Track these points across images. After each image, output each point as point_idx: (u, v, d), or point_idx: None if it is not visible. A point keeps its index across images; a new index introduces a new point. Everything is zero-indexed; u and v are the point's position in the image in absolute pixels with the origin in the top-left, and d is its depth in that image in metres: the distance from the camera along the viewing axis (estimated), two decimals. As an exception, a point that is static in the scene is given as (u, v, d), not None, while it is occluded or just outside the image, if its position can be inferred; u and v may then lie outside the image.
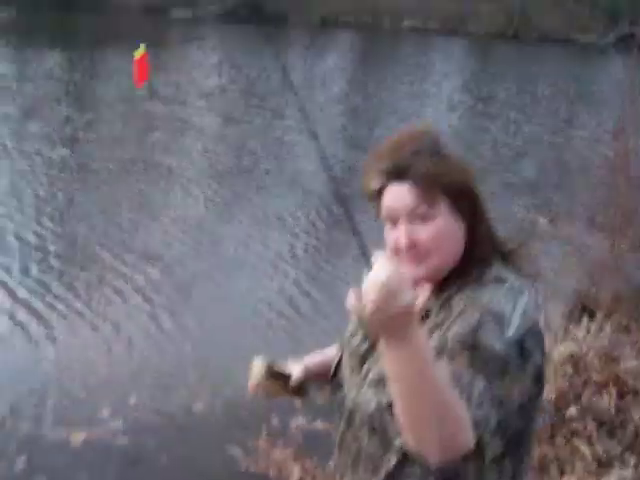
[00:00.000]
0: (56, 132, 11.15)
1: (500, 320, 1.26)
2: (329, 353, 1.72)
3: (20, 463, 3.90)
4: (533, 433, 1.38)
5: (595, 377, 3.76)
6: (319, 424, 4.10)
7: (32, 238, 7.04)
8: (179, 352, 5.22)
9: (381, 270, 1.08)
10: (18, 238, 7.00)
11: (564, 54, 32.88)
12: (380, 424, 1.33)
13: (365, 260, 1.14)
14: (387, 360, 1.12)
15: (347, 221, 1.28)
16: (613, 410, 3.59)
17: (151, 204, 8.30)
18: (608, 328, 4.31)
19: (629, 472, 3.21)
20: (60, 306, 5.73)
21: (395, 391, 1.13)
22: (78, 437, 4.11)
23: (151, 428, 4.30)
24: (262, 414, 4.16)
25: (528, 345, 1.27)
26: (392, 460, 1.33)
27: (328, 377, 1.61)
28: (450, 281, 1.39)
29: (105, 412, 4.40)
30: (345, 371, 1.53)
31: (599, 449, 3.35)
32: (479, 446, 1.17)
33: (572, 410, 3.52)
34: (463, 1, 40.71)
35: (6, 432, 4.18)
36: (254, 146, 11.10)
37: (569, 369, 3.79)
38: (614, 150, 6.29)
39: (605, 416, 3.55)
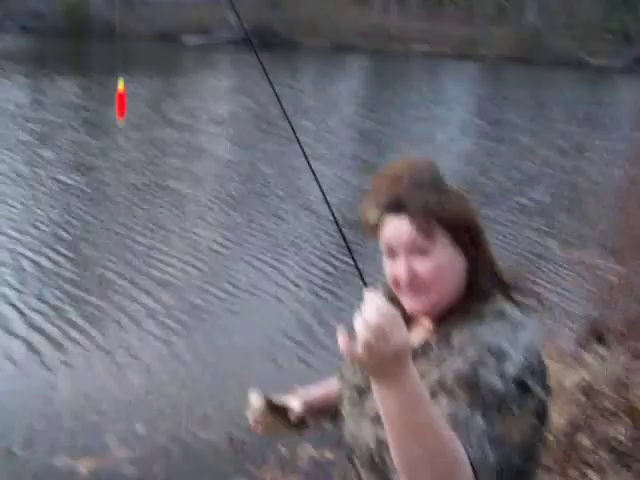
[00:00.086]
0: (70, 158, 11.25)
1: (500, 357, 1.24)
2: (329, 385, 1.70)
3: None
4: (535, 471, 1.35)
5: (607, 405, 3.69)
6: (327, 453, 4.07)
7: (46, 263, 7.08)
8: (191, 379, 5.21)
9: (372, 309, 1.06)
10: (33, 263, 7.05)
11: (576, 77, 32.91)
12: (379, 459, 1.31)
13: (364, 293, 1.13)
14: (379, 401, 1.10)
15: (349, 253, 1.28)
16: (627, 440, 3.53)
17: (164, 229, 8.34)
18: (620, 354, 4.26)
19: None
20: (73, 332, 5.75)
21: (388, 431, 1.11)
22: (87, 465, 4.11)
23: (160, 457, 4.28)
24: (270, 443, 4.15)
25: (529, 382, 1.24)
26: None
27: (329, 410, 1.59)
28: (450, 315, 1.37)
29: (114, 440, 4.39)
30: (345, 404, 1.50)
31: (612, 481, 3.30)
32: None
33: (584, 439, 3.46)
34: (474, 25, 40.94)
35: (15, 459, 4.18)
36: (266, 171, 11.15)
37: (580, 397, 3.72)
38: (626, 174, 6.29)
39: (619, 446, 3.49)
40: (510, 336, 1.28)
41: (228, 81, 21.93)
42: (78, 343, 5.59)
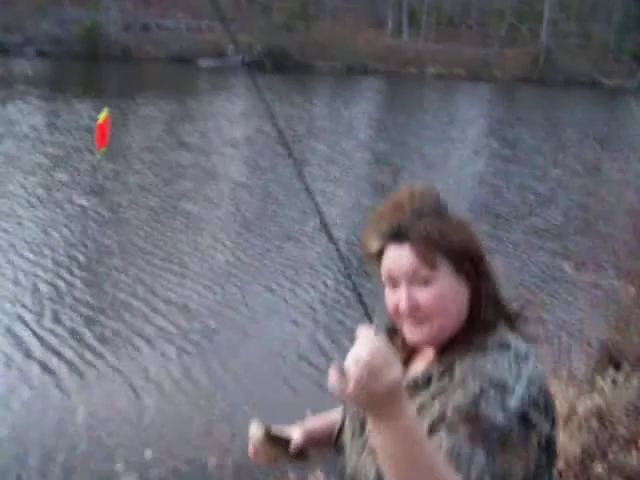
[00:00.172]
0: (86, 181, 11.35)
1: (502, 390, 1.20)
2: (331, 416, 1.67)
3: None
4: None
5: (622, 432, 3.63)
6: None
7: (62, 285, 7.14)
8: (206, 402, 5.22)
9: (364, 345, 1.04)
10: (49, 285, 7.10)
11: (590, 98, 32.90)
12: None
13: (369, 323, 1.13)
14: (374, 437, 1.09)
15: (352, 287, 1.28)
16: (642, 468, 3.48)
17: (179, 251, 8.37)
18: (636, 380, 4.20)
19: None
20: (88, 354, 5.78)
21: (384, 468, 1.10)
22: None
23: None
24: (280, 468, 4.13)
25: (532, 415, 1.20)
26: None
27: (330, 441, 1.56)
28: (453, 345, 1.34)
29: (126, 466, 4.40)
30: (347, 435, 1.48)
31: (628, 510, 3.25)
32: None
33: (598, 467, 3.41)
34: (487, 46, 41.06)
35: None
36: (280, 194, 11.19)
37: (594, 423, 3.65)
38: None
39: (634, 475, 3.43)
40: (513, 368, 1.25)
41: (242, 104, 22.07)
42: (94, 365, 5.62)
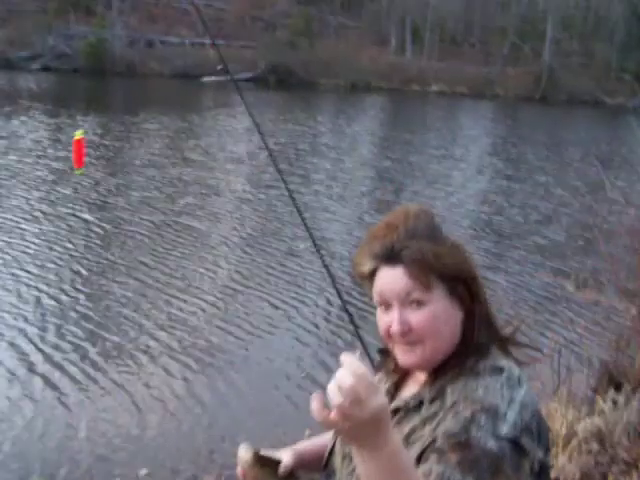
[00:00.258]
0: (89, 195, 11.39)
1: (494, 416, 1.18)
2: (323, 439, 1.63)
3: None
4: None
5: (622, 455, 3.60)
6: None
7: (65, 300, 7.15)
8: (209, 418, 5.22)
9: (346, 372, 1.02)
10: (52, 300, 7.11)
11: (592, 116, 33.00)
12: None
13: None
14: (358, 465, 1.06)
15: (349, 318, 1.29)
16: (643, 491, 3.45)
17: (182, 267, 8.38)
18: (636, 401, 4.16)
19: None
20: (91, 369, 5.78)
21: None
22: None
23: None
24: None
25: (525, 442, 1.18)
26: None
27: (320, 464, 1.53)
28: (445, 369, 1.32)
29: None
30: (336, 459, 1.46)
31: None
32: None
33: (598, 489, 3.40)
34: (490, 64, 41.26)
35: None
36: (283, 210, 11.21)
37: (594, 445, 3.61)
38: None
39: (633, 497, 3.41)
40: (505, 393, 1.22)
41: (246, 120, 22.14)
42: (96, 381, 5.62)
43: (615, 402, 4.14)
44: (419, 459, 1.20)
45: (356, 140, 20.43)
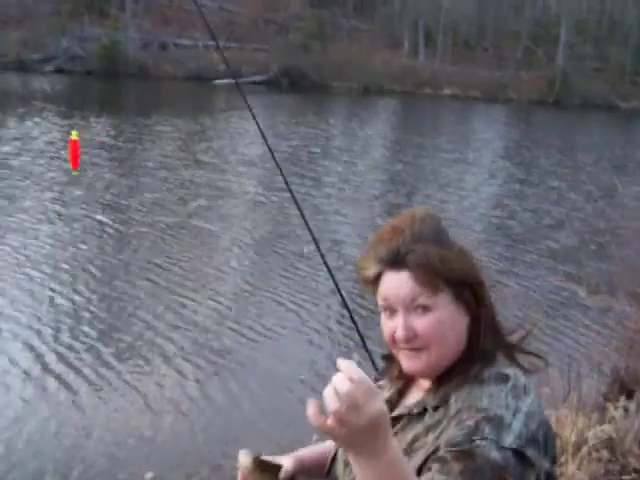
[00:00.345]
0: (102, 197, 11.45)
1: (499, 426, 1.14)
2: (325, 445, 1.60)
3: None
4: None
5: (634, 463, 3.57)
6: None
7: (79, 300, 7.18)
8: (223, 420, 5.24)
9: (343, 378, 0.98)
10: (66, 300, 7.15)
11: (606, 121, 32.85)
12: None
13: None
14: (356, 472, 1.03)
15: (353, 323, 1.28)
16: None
17: (195, 269, 8.41)
18: (648, 408, 4.14)
19: None
20: (105, 370, 5.82)
21: None
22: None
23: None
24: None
25: (530, 452, 1.14)
26: None
27: (322, 470, 1.49)
28: (450, 376, 1.29)
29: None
30: (339, 466, 1.42)
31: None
32: None
33: (608, 498, 3.36)
34: (503, 68, 41.15)
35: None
36: (295, 213, 11.21)
37: (605, 454, 3.57)
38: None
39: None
40: (511, 403, 1.19)
41: (258, 122, 22.20)
42: (110, 382, 5.65)
43: (626, 409, 4.09)
44: (421, 468, 1.17)
45: (368, 143, 20.42)
